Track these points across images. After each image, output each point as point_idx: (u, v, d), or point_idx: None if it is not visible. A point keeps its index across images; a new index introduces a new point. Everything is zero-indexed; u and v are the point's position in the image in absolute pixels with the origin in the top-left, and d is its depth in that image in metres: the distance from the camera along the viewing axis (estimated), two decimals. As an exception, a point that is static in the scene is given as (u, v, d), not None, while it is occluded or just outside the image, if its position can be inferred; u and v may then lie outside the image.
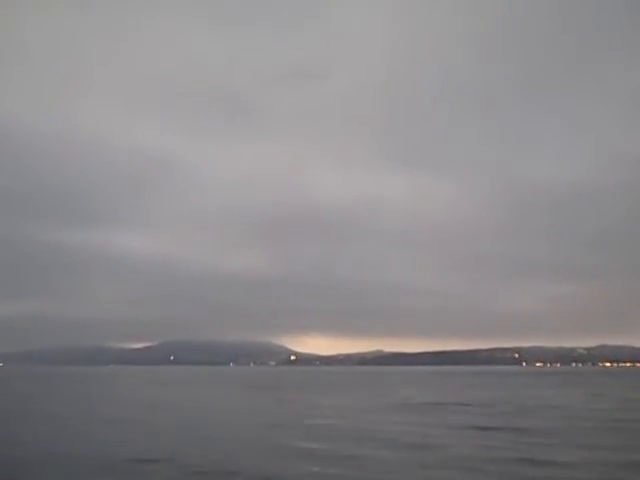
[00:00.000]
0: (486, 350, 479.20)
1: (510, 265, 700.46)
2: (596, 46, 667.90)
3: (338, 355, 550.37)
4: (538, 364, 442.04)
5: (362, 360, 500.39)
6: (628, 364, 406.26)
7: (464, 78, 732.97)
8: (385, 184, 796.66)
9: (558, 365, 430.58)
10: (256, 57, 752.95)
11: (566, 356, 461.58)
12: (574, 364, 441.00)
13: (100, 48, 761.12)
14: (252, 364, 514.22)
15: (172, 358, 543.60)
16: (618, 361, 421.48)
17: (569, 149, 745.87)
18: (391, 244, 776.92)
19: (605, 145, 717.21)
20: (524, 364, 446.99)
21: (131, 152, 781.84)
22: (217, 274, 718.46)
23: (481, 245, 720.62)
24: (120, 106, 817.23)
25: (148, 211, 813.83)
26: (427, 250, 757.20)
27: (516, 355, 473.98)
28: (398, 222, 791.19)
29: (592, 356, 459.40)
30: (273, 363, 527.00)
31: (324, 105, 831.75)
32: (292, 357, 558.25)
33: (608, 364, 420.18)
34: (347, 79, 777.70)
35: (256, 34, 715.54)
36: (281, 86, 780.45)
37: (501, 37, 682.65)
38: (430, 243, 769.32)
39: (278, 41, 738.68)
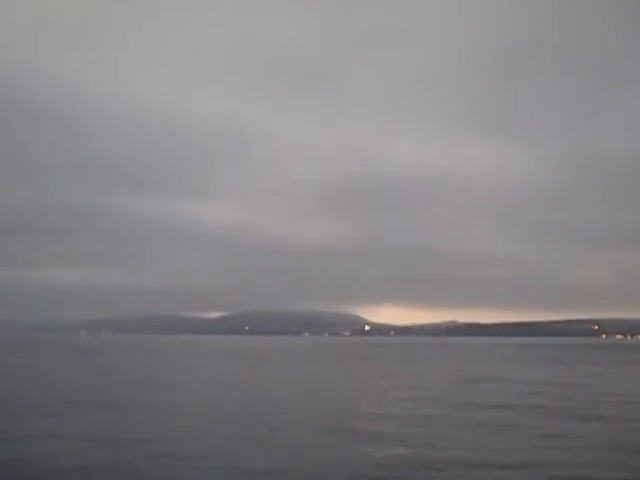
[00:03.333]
0: (564, 321, 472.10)
1: (588, 234, 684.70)
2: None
3: (412, 325, 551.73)
4: (618, 336, 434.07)
5: (436, 331, 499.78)
6: None
7: (541, 45, 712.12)
8: (460, 153, 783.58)
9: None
10: (327, 27, 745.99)
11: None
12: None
13: (171, 22, 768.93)
14: (326, 334, 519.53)
15: (247, 328, 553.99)
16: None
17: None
18: (465, 213, 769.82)
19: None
20: (604, 336, 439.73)
21: (204, 124, 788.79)
22: (291, 244, 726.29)
23: (557, 214, 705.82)
24: (192, 79, 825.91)
25: (222, 182, 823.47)
26: (502, 219, 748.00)
27: (595, 327, 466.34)
28: (473, 191, 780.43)
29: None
30: (347, 333, 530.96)
31: (399, 73, 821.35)
32: (366, 327, 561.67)
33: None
34: (423, 47, 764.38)
35: (326, 6, 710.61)
36: (354, 57, 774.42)
37: (572, 4, 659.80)
38: (505, 212, 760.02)
39: (349, 10, 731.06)
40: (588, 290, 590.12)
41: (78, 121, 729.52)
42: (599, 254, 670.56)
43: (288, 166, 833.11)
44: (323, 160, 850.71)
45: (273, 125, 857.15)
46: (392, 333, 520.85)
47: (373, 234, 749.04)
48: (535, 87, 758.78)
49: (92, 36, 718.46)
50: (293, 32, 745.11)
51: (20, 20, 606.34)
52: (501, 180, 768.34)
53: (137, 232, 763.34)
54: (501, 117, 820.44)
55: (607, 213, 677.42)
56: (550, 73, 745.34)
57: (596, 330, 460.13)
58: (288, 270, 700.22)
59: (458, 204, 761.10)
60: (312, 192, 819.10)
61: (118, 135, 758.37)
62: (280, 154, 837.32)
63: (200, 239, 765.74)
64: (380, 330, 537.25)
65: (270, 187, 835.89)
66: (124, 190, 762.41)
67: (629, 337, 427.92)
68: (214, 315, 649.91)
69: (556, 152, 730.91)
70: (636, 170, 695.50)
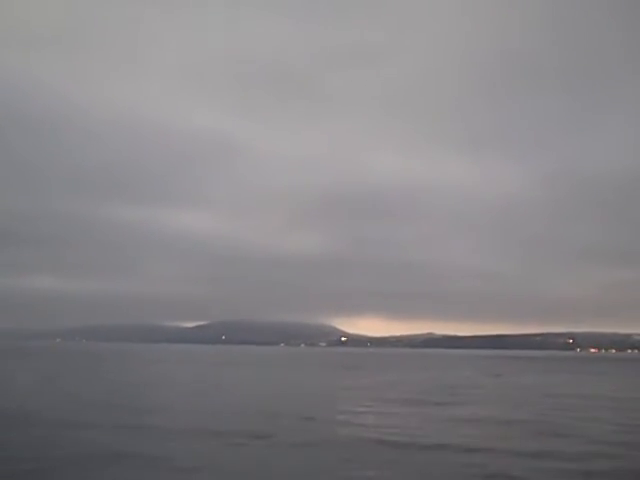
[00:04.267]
0: (539, 335, 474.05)
1: (567, 249, 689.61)
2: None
3: (389, 337, 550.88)
4: (592, 350, 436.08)
5: (413, 343, 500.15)
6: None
7: (527, 62, 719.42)
8: (443, 166, 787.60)
9: (613, 351, 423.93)
10: (314, 39, 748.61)
11: (622, 342, 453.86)
12: (630, 350, 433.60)
13: (156, 30, 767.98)
14: (303, 345, 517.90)
15: (224, 337, 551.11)
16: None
17: (633, 135, 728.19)
18: (446, 226, 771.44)
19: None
20: (578, 350, 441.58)
21: (190, 133, 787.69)
22: (271, 254, 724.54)
23: (538, 229, 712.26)
24: (177, 88, 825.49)
25: (204, 191, 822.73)
26: (482, 233, 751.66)
27: (570, 340, 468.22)
28: (454, 205, 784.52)
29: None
30: (324, 344, 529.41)
31: (383, 87, 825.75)
32: (343, 338, 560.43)
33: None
34: (409, 60, 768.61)
35: (312, 17, 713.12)
36: (339, 68, 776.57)
37: (564, 20, 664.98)
38: (485, 226, 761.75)
39: (336, 23, 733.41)
40: (564, 304, 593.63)
41: (64, 130, 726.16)
42: (576, 269, 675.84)
43: (270, 176, 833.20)
44: (305, 171, 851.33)
45: (257, 135, 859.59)
46: (369, 344, 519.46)
47: (353, 246, 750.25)
48: (521, 103, 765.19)
49: (81, 46, 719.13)
50: (278, 42, 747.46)
51: (11, 28, 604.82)
52: (483, 195, 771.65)
53: (116, 240, 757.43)
54: (486, 132, 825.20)
55: (586, 230, 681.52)
56: (537, 89, 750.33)
57: (571, 344, 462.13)
58: (266, 280, 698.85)
59: (439, 217, 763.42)
60: (293, 203, 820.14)
61: (101, 144, 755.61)
62: (264, 164, 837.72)
63: (180, 248, 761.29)
64: (357, 341, 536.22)
65: (252, 197, 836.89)
66: (104, 198, 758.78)
67: (603, 351, 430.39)
68: (192, 324, 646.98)
69: (540, 168, 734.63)
70: (617, 188, 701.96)
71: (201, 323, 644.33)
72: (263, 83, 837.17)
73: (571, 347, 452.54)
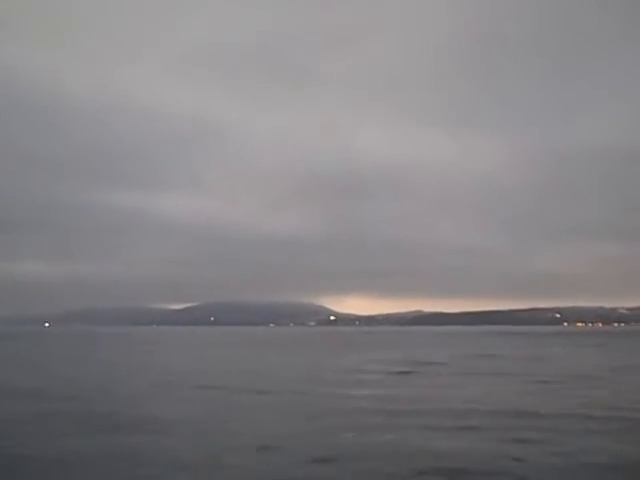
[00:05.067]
0: (527, 310, 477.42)
1: (553, 226, 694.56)
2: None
3: (378, 315, 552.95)
4: (579, 324, 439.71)
5: (401, 320, 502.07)
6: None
7: (513, 41, 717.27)
8: (428, 144, 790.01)
9: (600, 325, 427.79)
10: (297, 22, 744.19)
11: (607, 316, 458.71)
12: (616, 324, 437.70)
13: (147, 16, 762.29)
14: (292, 324, 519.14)
15: (212, 319, 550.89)
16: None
17: (619, 111, 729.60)
18: (434, 204, 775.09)
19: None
20: (565, 324, 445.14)
21: (176, 115, 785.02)
22: (258, 235, 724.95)
23: (525, 205, 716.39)
24: (166, 71, 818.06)
25: (190, 173, 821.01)
26: (470, 210, 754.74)
27: (557, 315, 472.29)
28: (440, 183, 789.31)
29: (635, 316, 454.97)
30: (312, 323, 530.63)
31: (367, 67, 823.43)
32: (332, 317, 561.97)
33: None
34: (393, 40, 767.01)
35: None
36: (324, 49, 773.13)
37: (550, 1, 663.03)
38: (474, 203, 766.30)
39: (319, 5, 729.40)
40: (551, 280, 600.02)
41: (54, 115, 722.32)
42: (562, 245, 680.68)
43: (256, 157, 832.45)
44: (291, 151, 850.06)
45: (242, 117, 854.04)
46: (357, 323, 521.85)
47: (340, 225, 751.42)
48: (507, 82, 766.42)
49: (70, 30, 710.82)
50: (263, 24, 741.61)
51: (5, 12, 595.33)
52: (469, 172, 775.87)
53: (103, 224, 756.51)
54: (471, 110, 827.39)
55: (571, 206, 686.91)
56: (522, 68, 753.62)
57: (558, 318, 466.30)
58: (254, 261, 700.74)
59: (425, 196, 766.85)
60: (279, 183, 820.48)
61: (87, 128, 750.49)
62: (249, 146, 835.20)
63: (166, 230, 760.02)
64: (345, 320, 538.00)
65: (238, 178, 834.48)
66: (92, 183, 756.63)
67: (590, 324, 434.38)
68: (180, 306, 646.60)
69: (526, 146, 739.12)
70: (602, 165, 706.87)
71: (189, 305, 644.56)
72: (247, 66, 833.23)
73: (558, 322, 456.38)
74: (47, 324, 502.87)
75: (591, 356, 55.86)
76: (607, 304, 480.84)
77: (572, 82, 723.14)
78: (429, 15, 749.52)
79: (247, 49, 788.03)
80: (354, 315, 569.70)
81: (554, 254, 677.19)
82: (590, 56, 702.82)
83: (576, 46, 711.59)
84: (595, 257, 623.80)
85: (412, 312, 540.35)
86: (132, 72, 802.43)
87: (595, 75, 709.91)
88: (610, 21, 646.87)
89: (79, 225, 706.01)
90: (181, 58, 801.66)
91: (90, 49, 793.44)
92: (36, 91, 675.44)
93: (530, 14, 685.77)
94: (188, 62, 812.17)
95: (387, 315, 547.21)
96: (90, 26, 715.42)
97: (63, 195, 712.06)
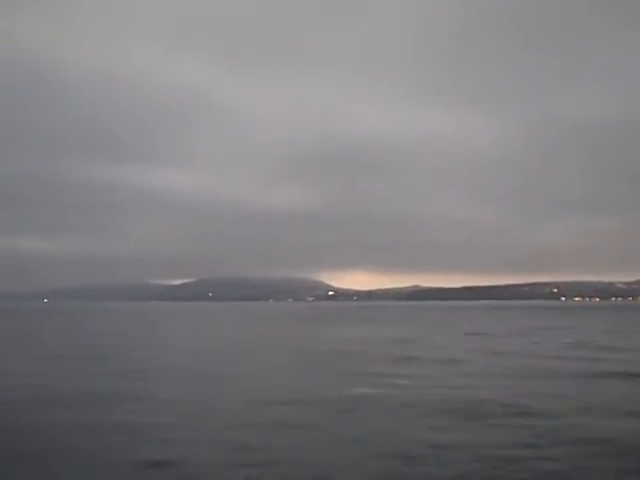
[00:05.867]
0: (525, 285, 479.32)
1: (551, 200, 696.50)
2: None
3: (376, 290, 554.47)
4: (577, 299, 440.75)
5: (400, 295, 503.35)
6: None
7: (506, 14, 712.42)
8: (425, 120, 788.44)
9: (597, 300, 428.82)
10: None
11: (605, 290, 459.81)
12: (613, 299, 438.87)
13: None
14: (290, 300, 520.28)
15: (210, 295, 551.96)
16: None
17: (609, 86, 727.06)
18: (431, 179, 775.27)
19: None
20: (563, 299, 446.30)
21: (175, 89, 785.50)
22: (256, 210, 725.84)
23: (522, 180, 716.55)
24: (165, 45, 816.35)
25: (190, 148, 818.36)
26: (467, 185, 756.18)
27: (555, 290, 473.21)
28: (438, 158, 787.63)
29: (632, 290, 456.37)
30: (311, 299, 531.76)
31: (363, 41, 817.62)
32: (330, 292, 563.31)
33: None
34: (386, 14, 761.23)
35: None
36: (320, 24, 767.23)
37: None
38: (470, 178, 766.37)
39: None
40: (549, 255, 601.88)
41: (44, 90, 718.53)
42: (560, 219, 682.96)
43: (255, 133, 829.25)
44: (289, 127, 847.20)
45: (241, 93, 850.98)
46: (355, 298, 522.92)
47: (338, 199, 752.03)
48: (499, 57, 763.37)
49: (60, 6, 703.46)
50: (258, 3, 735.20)
51: None
52: (466, 146, 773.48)
53: (103, 200, 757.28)
54: (466, 86, 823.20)
55: (567, 179, 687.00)
56: (514, 44, 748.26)
57: (556, 293, 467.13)
58: (252, 237, 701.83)
59: (423, 170, 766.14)
60: (278, 159, 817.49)
61: (81, 105, 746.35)
62: (247, 121, 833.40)
63: (165, 207, 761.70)
64: (344, 295, 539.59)
65: (236, 154, 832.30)
66: (89, 159, 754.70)
67: (587, 299, 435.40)
68: (178, 282, 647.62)
69: (522, 120, 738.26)
70: (596, 138, 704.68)
71: (188, 281, 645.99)
72: (245, 43, 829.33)
73: (556, 296, 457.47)
74: (45, 300, 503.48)
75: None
76: (605, 279, 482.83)
77: (565, 55, 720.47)
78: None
79: (245, 26, 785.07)
80: (352, 290, 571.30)
81: (552, 228, 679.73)
82: (583, 30, 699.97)
83: (570, 19, 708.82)
84: (593, 231, 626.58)
85: (410, 287, 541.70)
86: (127, 49, 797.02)
87: (589, 49, 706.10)
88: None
89: (77, 200, 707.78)
90: (178, 34, 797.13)
91: (89, 22, 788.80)
92: (35, 62, 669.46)
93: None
94: (182, 39, 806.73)
95: (385, 290, 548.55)
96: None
97: (61, 170, 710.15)
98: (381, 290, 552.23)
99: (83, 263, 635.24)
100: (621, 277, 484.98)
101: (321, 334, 50.25)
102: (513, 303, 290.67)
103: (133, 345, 39.86)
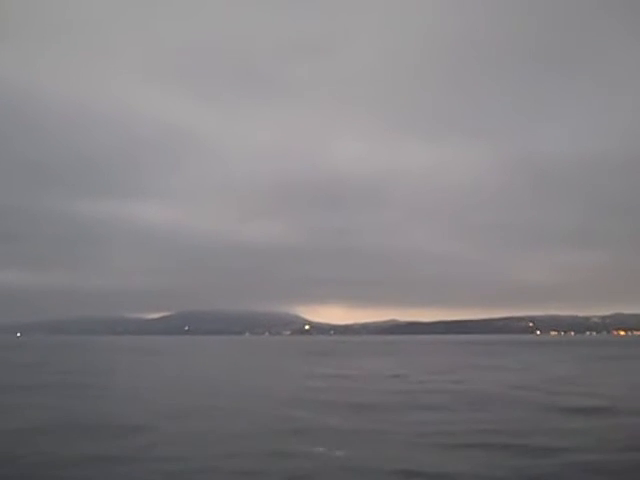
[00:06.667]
0: (501, 319, 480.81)
1: (526, 234, 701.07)
2: (620, 17, 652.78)
3: (352, 325, 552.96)
4: (552, 333, 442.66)
5: (376, 329, 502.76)
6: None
7: (485, 48, 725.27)
8: (405, 154, 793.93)
9: (572, 334, 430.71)
10: (274, 30, 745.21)
11: (581, 325, 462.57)
12: (588, 333, 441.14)
13: (126, 21, 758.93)
14: (267, 333, 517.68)
15: (187, 328, 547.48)
16: (633, 329, 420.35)
17: (586, 121, 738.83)
18: (409, 213, 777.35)
19: (621, 118, 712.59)
20: (538, 333, 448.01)
21: (152, 122, 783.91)
22: (233, 244, 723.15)
23: (498, 214, 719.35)
24: (143, 78, 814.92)
25: (165, 182, 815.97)
26: (444, 219, 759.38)
27: (531, 324, 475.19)
28: (416, 192, 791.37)
29: (607, 325, 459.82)
30: (288, 332, 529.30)
31: (343, 75, 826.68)
32: (306, 327, 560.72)
33: (622, 333, 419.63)
34: (366, 48, 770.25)
35: (274, 6, 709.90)
36: (299, 58, 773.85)
37: (526, 7, 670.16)
38: (447, 212, 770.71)
39: (295, 14, 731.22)
40: (525, 289, 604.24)
41: (18, 122, 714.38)
42: (535, 254, 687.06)
43: (231, 166, 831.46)
44: (265, 160, 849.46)
45: (218, 126, 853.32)
46: (332, 332, 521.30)
47: (314, 234, 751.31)
48: (478, 90, 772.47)
49: (38, 35, 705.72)
50: (237, 33, 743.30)
51: None
52: (444, 181, 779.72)
53: (77, 234, 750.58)
54: (444, 119, 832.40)
55: (543, 214, 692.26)
56: (490, 78, 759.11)
57: (531, 327, 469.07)
58: (229, 270, 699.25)
59: (400, 204, 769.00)
60: (255, 192, 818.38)
61: (57, 137, 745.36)
62: (224, 154, 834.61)
63: (141, 240, 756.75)
64: (320, 329, 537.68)
65: (211, 187, 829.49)
66: (62, 192, 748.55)
67: (562, 333, 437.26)
68: (155, 315, 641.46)
69: (500, 154, 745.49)
70: (570, 173, 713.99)
71: (165, 314, 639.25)
72: (224, 75, 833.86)
73: (532, 330, 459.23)
74: (19, 334, 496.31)
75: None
76: (580, 313, 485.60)
77: (546, 90, 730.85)
78: (402, 23, 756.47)
79: (222, 58, 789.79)
80: (329, 324, 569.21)
81: (528, 263, 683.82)
82: (565, 65, 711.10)
83: (550, 54, 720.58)
84: (569, 266, 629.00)
85: (387, 321, 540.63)
86: (102, 76, 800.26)
87: (568, 83, 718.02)
88: (588, 30, 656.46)
89: (54, 233, 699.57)
90: (153, 66, 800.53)
91: (65, 53, 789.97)
92: (11, 92, 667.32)
93: (504, 22, 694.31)
94: (160, 70, 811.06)
95: (362, 324, 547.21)
96: (66, 28, 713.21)
97: (38, 203, 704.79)
98: (358, 324, 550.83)
99: (59, 297, 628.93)
100: (596, 311, 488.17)
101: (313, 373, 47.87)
102: (486, 338, 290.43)
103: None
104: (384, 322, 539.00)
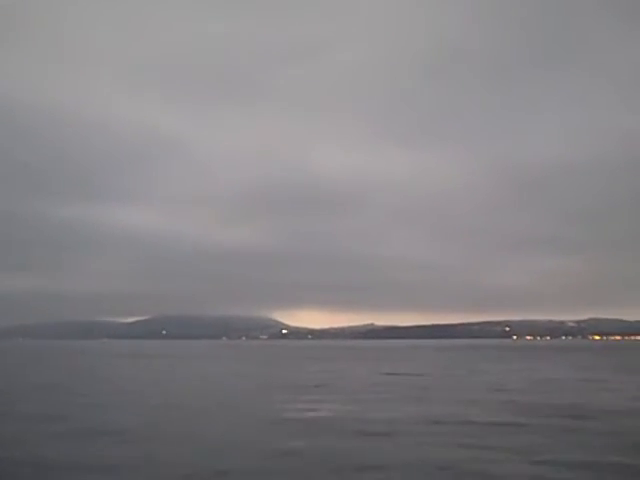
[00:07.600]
0: (478, 323, 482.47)
1: (502, 239, 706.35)
2: (594, 24, 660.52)
3: (330, 329, 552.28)
4: (528, 337, 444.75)
5: (354, 334, 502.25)
6: (618, 337, 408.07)
7: (463, 56, 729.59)
8: (383, 159, 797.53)
9: (548, 338, 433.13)
10: (254, 35, 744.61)
11: (556, 329, 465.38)
12: (564, 337, 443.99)
13: (106, 28, 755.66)
14: (244, 338, 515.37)
15: (164, 332, 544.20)
16: (607, 334, 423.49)
17: (564, 128, 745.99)
18: (386, 219, 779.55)
19: (593, 122, 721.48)
20: (514, 337, 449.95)
21: (133, 128, 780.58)
22: (210, 248, 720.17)
23: (474, 220, 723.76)
24: (124, 83, 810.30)
25: (140, 187, 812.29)
26: (421, 225, 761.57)
27: (507, 328, 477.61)
28: (394, 197, 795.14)
29: (582, 329, 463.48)
30: (265, 337, 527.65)
31: (323, 82, 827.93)
32: (284, 331, 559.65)
33: (597, 337, 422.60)
34: (345, 55, 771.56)
35: (254, 13, 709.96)
36: (280, 63, 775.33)
37: (502, 16, 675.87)
38: (424, 218, 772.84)
39: (277, 21, 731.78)
40: (501, 293, 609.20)
41: (3, 127, 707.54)
42: (512, 258, 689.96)
43: (210, 171, 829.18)
44: (244, 166, 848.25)
45: (196, 130, 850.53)
46: (309, 337, 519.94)
47: (292, 239, 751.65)
48: (457, 97, 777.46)
49: (15, 41, 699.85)
50: (214, 39, 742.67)
51: None
52: (423, 187, 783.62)
53: (53, 238, 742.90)
54: (424, 125, 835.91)
55: (520, 220, 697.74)
56: (471, 84, 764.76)
57: (508, 332, 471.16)
58: (206, 275, 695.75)
59: (379, 210, 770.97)
60: (232, 197, 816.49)
61: (37, 141, 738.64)
62: (203, 159, 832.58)
63: (118, 244, 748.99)
64: (297, 334, 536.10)
65: (189, 192, 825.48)
66: (39, 196, 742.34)
67: (538, 338, 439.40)
68: (131, 320, 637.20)
69: (473, 161, 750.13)
70: (546, 179, 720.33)
71: (141, 318, 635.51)
72: (207, 82, 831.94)
73: (508, 335, 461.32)
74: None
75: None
76: (556, 317, 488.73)
77: (523, 96, 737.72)
78: (384, 30, 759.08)
79: (202, 62, 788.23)
80: (306, 329, 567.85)
81: (505, 268, 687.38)
82: (533, 70, 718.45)
83: (522, 60, 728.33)
84: (545, 271, 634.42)
85: (365, 326, 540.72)
86: (86, 83, 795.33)
87: (538, 89, 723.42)
88: (562, 36, 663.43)
89: (28, 238, 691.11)
90: (134, 70, 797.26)
91: (41, 57, 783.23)
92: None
93: (484, 29, 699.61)
94: (141, 74, 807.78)
95: (339, 329, 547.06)
96: (50, 36, 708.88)
97: (12, 207, 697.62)
98: (335, 328, 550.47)
99: (32, 301, 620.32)
100: (572, 316, 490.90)
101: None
102: (461, 342, 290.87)
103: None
104: (362, 326, 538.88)
